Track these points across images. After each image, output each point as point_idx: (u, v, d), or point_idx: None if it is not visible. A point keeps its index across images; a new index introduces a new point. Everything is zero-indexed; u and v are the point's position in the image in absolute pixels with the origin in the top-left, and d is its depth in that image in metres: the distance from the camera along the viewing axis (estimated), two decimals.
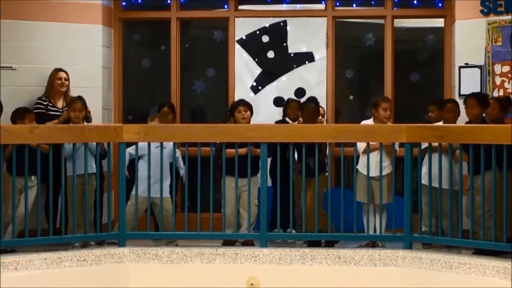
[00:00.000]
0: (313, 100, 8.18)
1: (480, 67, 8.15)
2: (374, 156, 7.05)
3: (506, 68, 8.05)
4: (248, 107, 7.56)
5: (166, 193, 7.19)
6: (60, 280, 6.44)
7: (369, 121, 7.51)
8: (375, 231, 7.14)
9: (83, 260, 6.63)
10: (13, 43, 8.15)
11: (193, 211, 7.17)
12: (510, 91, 7.99)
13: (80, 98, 7.65)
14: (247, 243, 7.14)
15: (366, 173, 7.01)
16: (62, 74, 8.03)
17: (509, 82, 8.03)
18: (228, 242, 7.14)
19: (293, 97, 8.74)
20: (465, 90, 8.10)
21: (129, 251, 6.82)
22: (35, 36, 8.28)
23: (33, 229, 6.70)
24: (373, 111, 7.47)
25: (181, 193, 7.54)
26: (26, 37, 8.24)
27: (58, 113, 7.83)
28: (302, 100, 8.40)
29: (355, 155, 7.14)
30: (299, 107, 8.07)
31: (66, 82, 8.02)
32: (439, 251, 6.72)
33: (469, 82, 8.14)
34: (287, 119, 8.17)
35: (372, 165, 7.01)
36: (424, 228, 7.08)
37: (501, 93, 8.05)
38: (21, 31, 8.21)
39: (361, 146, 7.14)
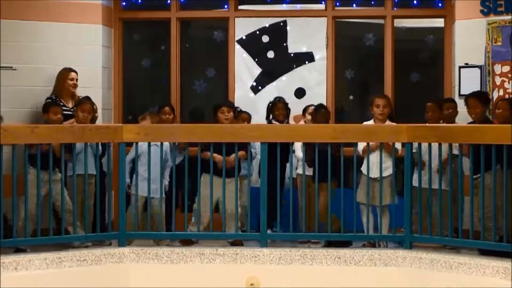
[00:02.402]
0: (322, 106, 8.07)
1: (480, 67, 8.15)
2: (376, 157, 7.03)
3: (506, 68, 8.05)
4: (232, 108, 7.62)
5: (162, 193, 7.21)
6: (60, 280, 6.44)
7: (370, 122, 7.50)
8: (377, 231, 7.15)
9: (83, 260, 6.63)
10: (13, 43, 8.14)
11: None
12: (510, 91, 7.99)
13: (88, 99, 7.66)
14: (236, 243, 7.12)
15: (370, 175, 7.00)
16: (74, 75, 8.01)
17: (509, 82, 8.03)
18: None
19: (293, 97, 8.77)
20: (465, 90, 8.09)
21: (129, 251, 6.82)
22: (36, 36, 8.28)
23: (34, 228, 6.70)
24: (370, 109, 7.48)
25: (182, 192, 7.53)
26: (26, 37, 8.24)
27: (70, 113, 7.77)
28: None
29: (355, 156, 7.12)
30: (286, 108, 8.02)
31: (77, 83, 8.03)
32: (439, 251, 6.73)
33: (469, 82, 8.13)
34: (273, 121, 8.03)
35: (374, 166, 7.01)
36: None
37: (501, 93, 8.05)
38: (22, 31, 8.21)
39: (361, 146, 7.14)
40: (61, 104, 7.80)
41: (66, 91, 7.94)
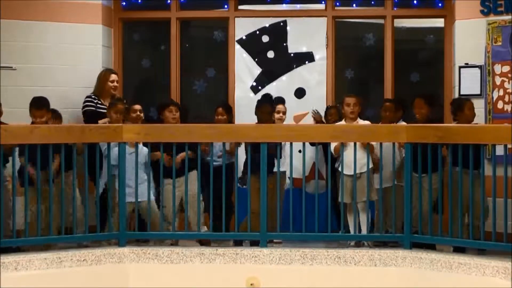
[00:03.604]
0: (267, 99, 8.19)
1: (480, 67, 8.15)
2: (351, 155, 6.94)
3: (506, 68, 8.05)
4: (179, 107, 7.66)
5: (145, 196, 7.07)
6: (60, 280, 6.44)
7: (342, 122, 7.52)
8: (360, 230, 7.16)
9: (83, 260, 6.63)
10: (13, 43, 8.15)
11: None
12: (510, 91, 7.99)
13: (121, 100, 7.69)
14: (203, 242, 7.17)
15: (346, 173, 7.00)
16: (114, 76, 8.05)
17: (509, 82, 8.03)
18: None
19: (293, 96, 8.77)
20: (465, 90, 8.11)
21: (129, 251, 6.82)
22: (35, 36, 8.29)
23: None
24: (342, 109, 7.52)
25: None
26: (26, 37, 8.25)
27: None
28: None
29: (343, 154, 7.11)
30: (338, 112, 8.05)
31: (118, 84, 8.06)
32: (439, 251, 6.73)
33: (469, 82, 8.14)
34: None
35: (351, 164, 6.96)
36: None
37: (501, 93, 8.06)
38: (21, 31, 8.21)
39: (333, 145, 7.16)
40: (100, 102, 7.87)
41: (106, 92, 7.98)
